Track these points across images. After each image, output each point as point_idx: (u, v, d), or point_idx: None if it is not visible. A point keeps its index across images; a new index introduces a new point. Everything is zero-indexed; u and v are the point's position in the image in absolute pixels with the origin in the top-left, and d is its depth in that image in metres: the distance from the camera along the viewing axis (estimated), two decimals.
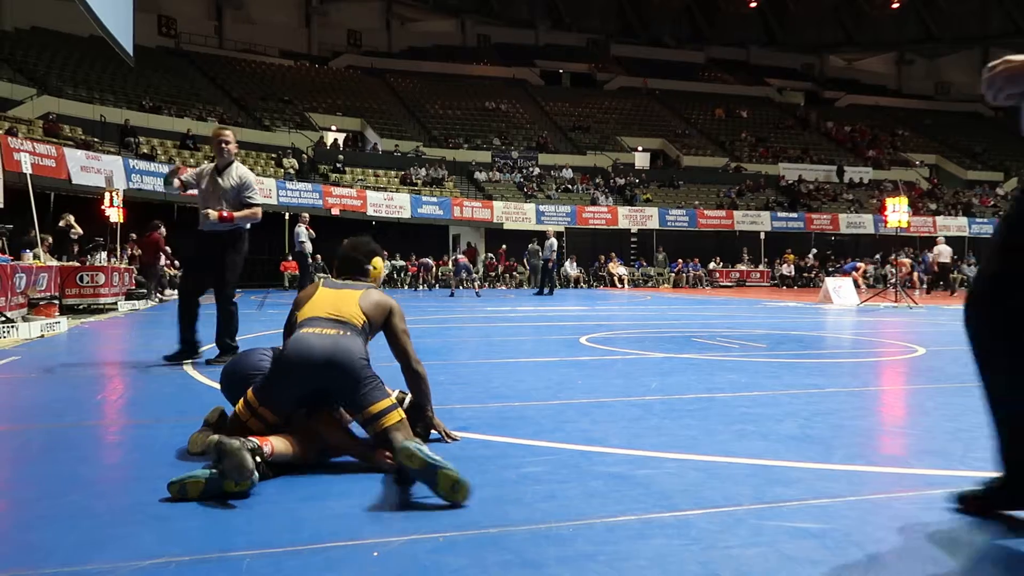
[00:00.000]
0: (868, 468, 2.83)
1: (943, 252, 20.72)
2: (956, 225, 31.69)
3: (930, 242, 30.07)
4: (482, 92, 38.49)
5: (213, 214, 5.43)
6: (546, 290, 19.60)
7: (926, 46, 48.69)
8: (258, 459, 2.49)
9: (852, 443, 3.20)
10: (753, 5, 46.08)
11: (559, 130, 36.67)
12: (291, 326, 2.98)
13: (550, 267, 19.65)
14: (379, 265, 3.42)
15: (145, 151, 22.63)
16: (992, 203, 34.56)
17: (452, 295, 18.97)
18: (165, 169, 20.13)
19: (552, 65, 43.88)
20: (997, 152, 40.89)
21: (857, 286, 18.03)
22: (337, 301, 2.98)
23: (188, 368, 5.34)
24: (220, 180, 5.59)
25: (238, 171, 5.67)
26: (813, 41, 48.79)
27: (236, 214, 5.56)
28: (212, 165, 5.72)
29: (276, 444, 2.64)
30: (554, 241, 19.61)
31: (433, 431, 3.16)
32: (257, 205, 5.73)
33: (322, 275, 22.70)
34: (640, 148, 36.58)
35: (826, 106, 44.83)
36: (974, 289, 2.36)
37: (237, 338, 5.74)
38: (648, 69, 44.42)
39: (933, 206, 33.17)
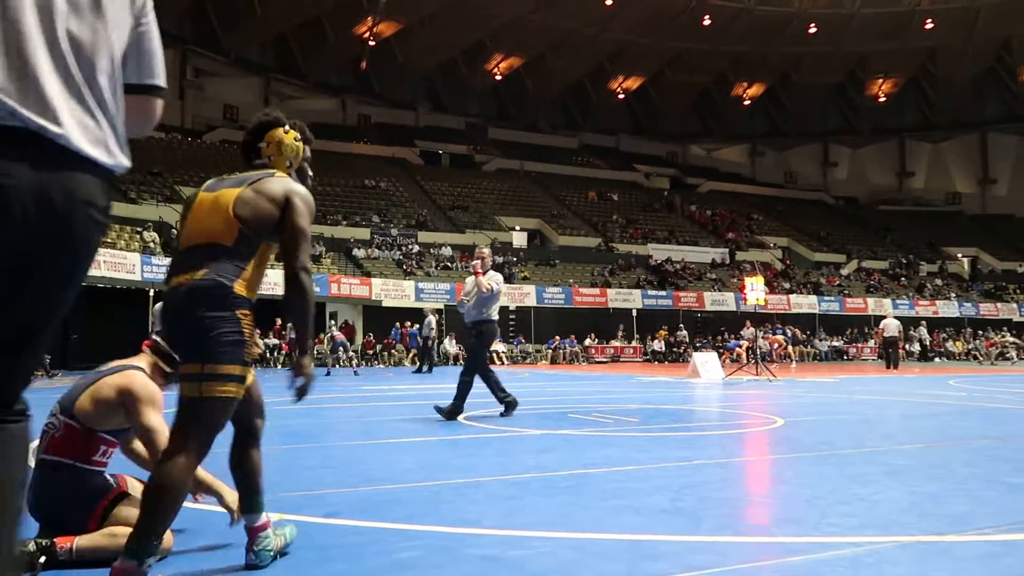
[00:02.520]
0: (733, 538, 2.92)
1: (889, 326, 21.10)
2: (807, 303, 34.15)
3: (787, 319, 32.23)
4: (362, 170, 38.57)
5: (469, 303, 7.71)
6: (425, 367, 19.48)
7: (775, 139, 53.33)
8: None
9: (719, 514, 3.30)
10: (621, 97, 49.10)
11: (438, 209, 37.13)
12: None
13: (429, 345, 19.70)
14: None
15: None
16: (837, 283, 37.58)
17: (328, 374, 18.43)
18: None
19: (432, 146, 44.73)
20: (839, 236, 44.78)
21: (737, 360, 18.71)
22: None
23: None
24: None
25: None
26: (676, 131, 52.36)
27: None
28: None
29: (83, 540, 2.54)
30: (432, 319, 19.64)
31: None
32: None
33: None
34: (517, 227, 37.51)
35: (689, 191, 47.83)
36: None
37: None
38: (525, 152, 46.07)
39: (787, 285, 35.66)
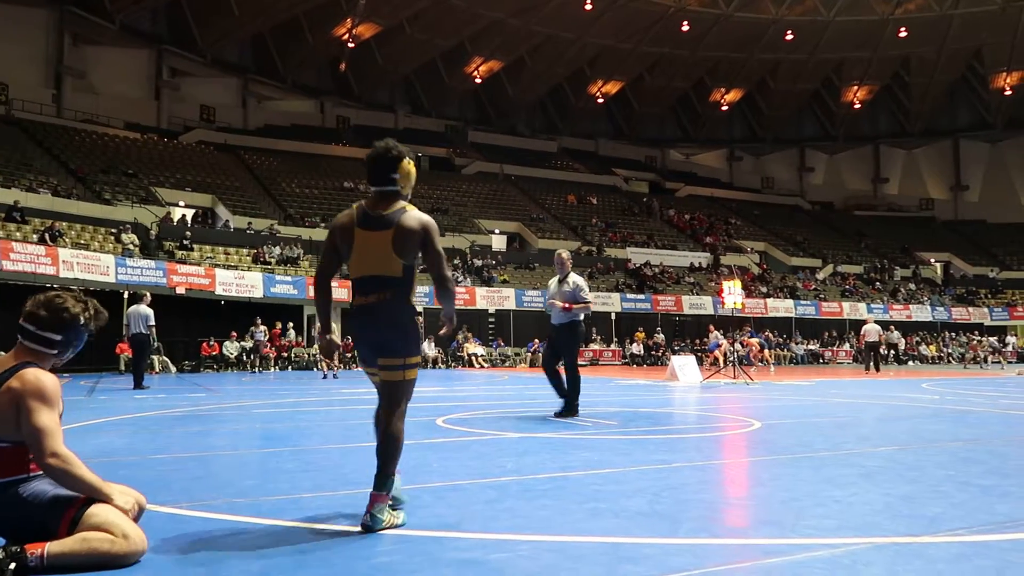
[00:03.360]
0: (711, 541, 2.94)
1: (870, 331, 21.30)
2: (784, 307, 34.48)
3: (764, 322, 32.53)
4: (341, 172, 38.36)
5: (558, 304, 7.88)
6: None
7: (752, 145, 53.89)
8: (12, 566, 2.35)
9: (697, 516, 3.32)
10: (601, 102, 49.32)
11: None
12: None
13: None
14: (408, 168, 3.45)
15: None
16: (813, 287, 38.00)
17: (325, 376, 18.42)
18: None
19: (411, 148, 44.38)
20: (815, 242, 45.28)
21: (718, 363, 18.80)
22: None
23: None
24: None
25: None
26: (655, 136, 52.73)
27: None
28: None
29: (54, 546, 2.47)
30: None
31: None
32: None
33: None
34: (497, 231, 37.51)
35: (668, 195, 48.12)
36: None
37: None
38: (504, 155, 46.10)
39: (764, 289, 35.98)
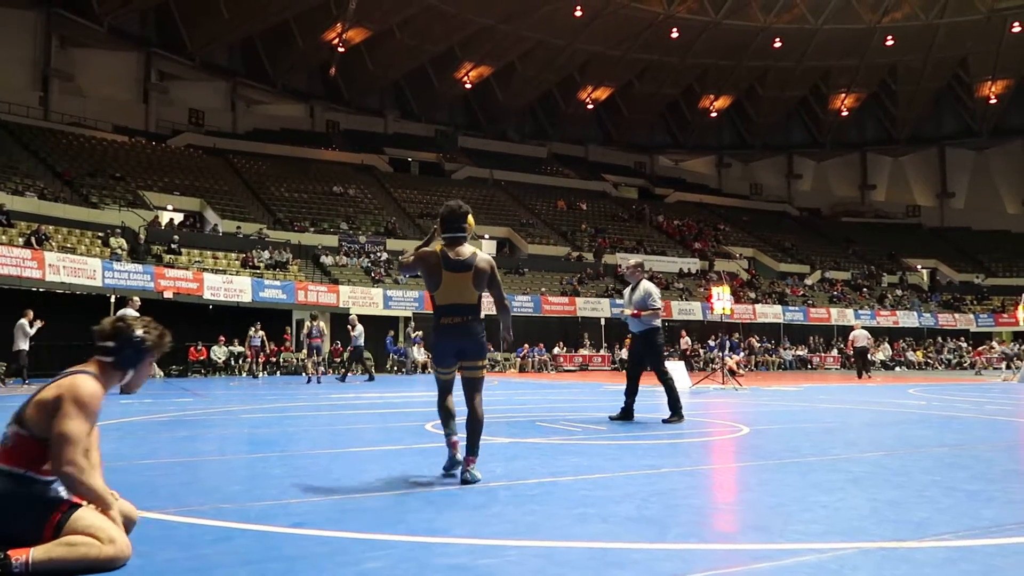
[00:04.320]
0: (700, 546, 2.95)
1: (859, 337, 21.47)
2: (772, 312, 34.65)
3: (753, 328, 32.66)
4: (330, 176, 38.30)
5: (628, 311, 8.16)
6: (365, 376, 19.47)
7: (741, 151, 54.17)
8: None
9: (685, 522, 3.33)
10: (590, 108, 49.46)
11: (407, 216, 36.99)
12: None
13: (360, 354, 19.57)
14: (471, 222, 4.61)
15: None
16: (801, 293, 38.20)
17: (309, 381, 18.12)
18: None
19: (401, 153, 44.55)
20: (803, 248, 45.55)
21: (733, 373, 18.75)
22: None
23: None
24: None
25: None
26: (644, 142, 52.91)
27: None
28: None
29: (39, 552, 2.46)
30: (361, 328, 19.25)
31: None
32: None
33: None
34: (487, 236, 37.53)
35: (657, 201, 48.28)
36: None
37: None
38: (494, 161, 46.12)
39: (752, 295, 36.14)
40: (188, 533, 2.76)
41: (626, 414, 8.08)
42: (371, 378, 19.58)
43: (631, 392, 8.18)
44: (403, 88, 46.59)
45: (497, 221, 39.16)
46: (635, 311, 8.16)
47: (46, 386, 2.72)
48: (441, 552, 2.80)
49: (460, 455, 4.40)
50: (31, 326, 15.28)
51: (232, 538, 3.00)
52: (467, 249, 4.46)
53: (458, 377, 4.49)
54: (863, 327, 23.00)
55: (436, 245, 4.51)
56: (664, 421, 7.82)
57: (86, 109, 35.50)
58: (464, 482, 4.17)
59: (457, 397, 4.52)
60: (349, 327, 19.24)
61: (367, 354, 21.30)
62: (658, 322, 8.28)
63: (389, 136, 45.69)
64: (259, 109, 42.86)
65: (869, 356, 23.87)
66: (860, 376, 21.01)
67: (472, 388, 4.46)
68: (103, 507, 2.63)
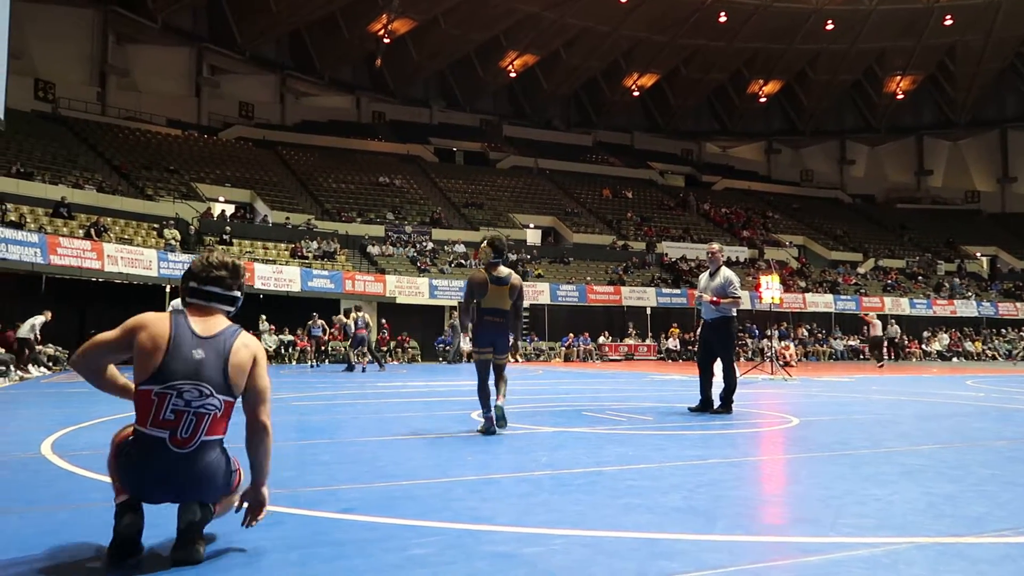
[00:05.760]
0: (747, 538, 2.91)
1: (878, 326, 22.01)
2: (823, 302, 33.91)
3: (803, 317, 32.04)
4: (376, 167, 38.67)
5: (706, 297, 8.01)
6: (375, 365, 19.00)
7: (791, 137, 52.97)
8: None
9: (733, 513, 3.29)
10: (636, 95, 48.91)
11: (452, 206, 37.17)
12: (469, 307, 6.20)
13: (360, 341, 18.31)
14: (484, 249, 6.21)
15: (13, 218, 21.26)
16: (854, 281, 37.30)
17: (352, 369, 18.19)
18: (35, 237, 18.96)
19: (446, 143, 44.76)
20: (856, 235, 44.42)
21: (787, 364, 18.53)
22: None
23: (46, 452, 4.93)
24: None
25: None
26: (691, 129, 52.13)
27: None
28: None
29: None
30: (367, 318, 18.41)
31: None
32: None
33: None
34: (532, 225, 37.49)
35: (704, 189, 47.58)
36: None
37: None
38: (539, 150, 46.00)
39: (802, 284, 35.43)
40: (238, 517, 2.82)
41: (705, 405, 7.80)
42: (351, 368, 18.29)
43: (707, 382, 7.92)
44: (448, 78, 46.73)
45: (542, 210, 39.08)
46: (715, 298, 7.90)
47: (229, 349, 2.63)
48: (487, 539, 2.82)
49: (495, 427, 5.96)
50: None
51: (283, 522, 3.06)
52: (504, 269, 6.17)
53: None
54: (912, 316, 22.91)
55: (480, 269, 6.26)
56: (714, 411, 7.69)
57: (141, 104, 36.47)
58: (499, 420, 5.99)
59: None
60: (351, 318, 18.40)
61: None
62: (735, 311, 8.04)
63: (434, 126, 45.89)
64: (307, 101, 43.45)
65: (919, 346, 23.69)
66: (880, 365, 21.09)
67: (500, 369, 6.28)
68: (263, 475, 2.77)
